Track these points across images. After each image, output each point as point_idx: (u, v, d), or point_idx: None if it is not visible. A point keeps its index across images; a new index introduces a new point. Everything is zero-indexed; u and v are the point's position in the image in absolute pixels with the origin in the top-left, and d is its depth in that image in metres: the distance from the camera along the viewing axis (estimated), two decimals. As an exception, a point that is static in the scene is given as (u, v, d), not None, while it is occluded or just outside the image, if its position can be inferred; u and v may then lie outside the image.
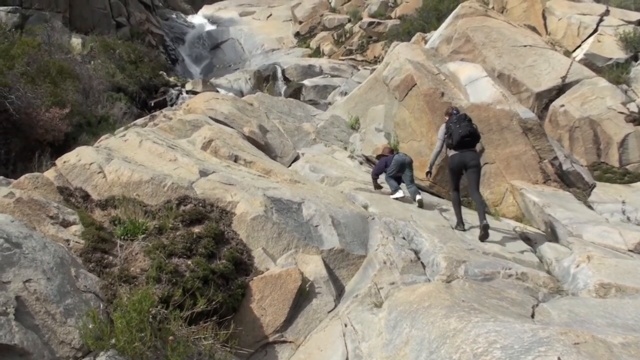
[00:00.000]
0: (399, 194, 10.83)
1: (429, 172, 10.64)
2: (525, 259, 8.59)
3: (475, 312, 5.52)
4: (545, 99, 16.67)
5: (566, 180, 12.48)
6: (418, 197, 10.63)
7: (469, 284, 6.98)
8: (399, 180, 11.17)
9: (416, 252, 8.27)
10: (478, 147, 10.07)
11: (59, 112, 16.73)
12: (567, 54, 18.65)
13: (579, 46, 18.99)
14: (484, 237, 9.09)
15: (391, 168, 11.10)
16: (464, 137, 9.34)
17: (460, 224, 9.66)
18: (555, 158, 12.44)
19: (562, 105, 16.07)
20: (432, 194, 12.45)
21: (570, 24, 19.44)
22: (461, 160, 9.48)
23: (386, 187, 11.44)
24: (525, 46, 18.10)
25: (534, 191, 11.35)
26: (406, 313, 5.95)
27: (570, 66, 17.20)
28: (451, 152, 9.68)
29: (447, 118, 10.06)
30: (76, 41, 29.28)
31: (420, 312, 5.76)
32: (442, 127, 10.01)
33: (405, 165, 11.03)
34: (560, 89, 16.70)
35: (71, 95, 19.23)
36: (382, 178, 11.55)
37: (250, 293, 7.06)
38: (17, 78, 16.70)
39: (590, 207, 11.56)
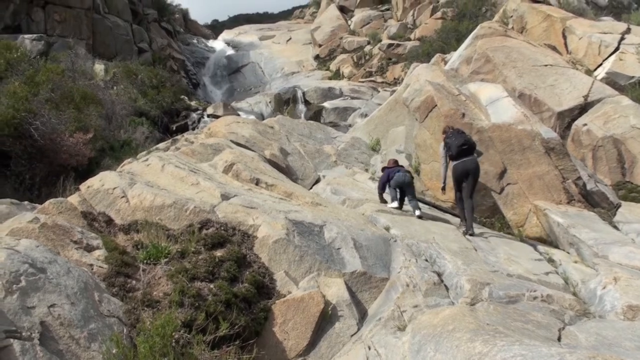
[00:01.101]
0: (395, 204, 11.37)
1: (443, 187, 11.23)
2: (550, 280, 8.48)
3: (501, 335, 5.43)
4: (568, 118, 16.56)
5: (590, 200, 12.32)
6: (418, 212, 11.08)
7: (493, 307, 6.89)
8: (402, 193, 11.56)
9: (439, 275, 8.18)
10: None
11: (82, 137, 16.96)
12: (589, 72, 18.53)
13: (601, 65, 18.87)
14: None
15: (392, 191, 11.57)
16: (461, 146, 10.50)
17: (470, 229, 10.40)
18: (579, 178, 12.30)
19: (585, 125, 15.94)
20: (454, 215, 12.36)
21: (591, 43, 19.34)
22: (464, 167, 10.56)
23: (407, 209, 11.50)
24: (545, 65, 18.03)
25: (558, 212, 11.22)
26: (430, 337, 5.88)
27: (592, 85, 17.07)
28: (453, 163, 10.72)
29: (444, 136, 11.10)
30: (99, 67, 29.74)
31: (445, 335, 5.69)
32: (441, 144, 11.07)
33: (405, 185, 11.41)
34: (583, 108, 16.58)
35: (94, 121, 19.50)
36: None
37: (272, 317, 7.03)
38: (42, 104, 17.00)
39: (615, 227, 11.38)
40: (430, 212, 12.16)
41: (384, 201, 11.70)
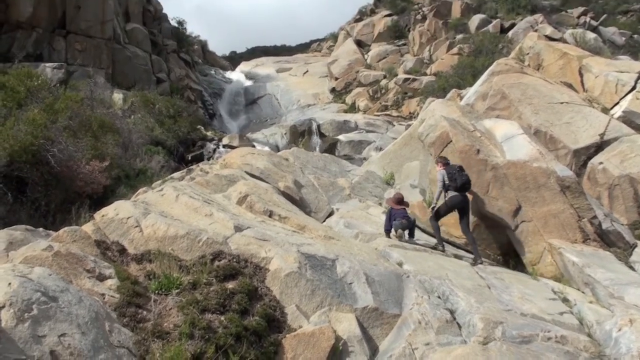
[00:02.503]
0: (393, 233, 11.81)
1: (434, 207, 12.13)
2: (564, 321, 8.36)
3: (514, 377, 5.36)
4: (583, 156, 16.47)
5: (606, 239, 12.19)
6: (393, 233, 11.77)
7: (506, 347, 6.80)
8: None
9: (452, 312, 8.10)
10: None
11: (98, 165, 17.08)
12: (605, 111, 18.48)
13: (617, 103, 18.81)
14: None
15: (393, 229, 11.90)
16: (464, 183, 11.61)
17: (441, 245, 11.78)
18: (595, 217, 12.18)
19: (601, 163, 15.85)
20: (467, 251, 12.28)
21: (608, 82, 19.31)
22: (462, 201, 11.75)
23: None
24: (562, 103, 18.00)
25: (573, 251, 11.10)
26: (442, 376, 5.81)
27: (609, 123, 17.01)
28: (453, 194, 11.76)
29: (440, 165, 12.07)
30: (117, 96, 30.14)
31: (457, 375, 5.62)
32: (442, 173, 11.89)
33: (407, 228, 11.93)
34: (599, 146, 16.49)
35: (111, 149, 19.67)
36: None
37: (282, 351, 6.96)
38: (60, 132, 17.15)
39: (632, 267, 11.22)
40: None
41: (389, 237, 11.88)
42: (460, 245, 12.56)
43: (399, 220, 11.77)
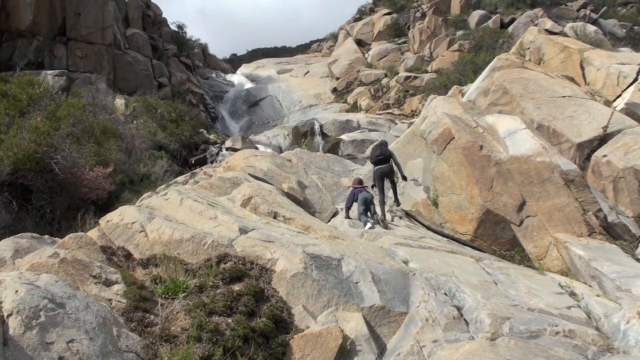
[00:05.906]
0: (369, 225, 12.52)
1: (373, 185, 14.37)
2: (572, 314, 8.33)
3: (522, 372, 5.35)
4: (587, 150, 16.40)
5: (612, 232, 12.16)
6: (368, 225, 12.53)
7: (514, 342, 6.79)
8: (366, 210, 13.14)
9: (459, 309, 8.09)
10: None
11: (102, 171, 17.13)
12: (608, 103, 18.40)
13: (620, 95, 18.71)
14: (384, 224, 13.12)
15: (360, 207, 13.06)
16: (378, 156, 14.11)
17: (384, 221, 13.24)
18: (600, 210, 12.15)
19: (605, 156, 15.77)
20: (472, 247, 12.27)
21: (610, 74, 19.24)
22: (382, 171, 13.99)
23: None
24: (564, 97, 17.94)
25: (579, 244, 11.07)
26: (450, 373, 5.79)
27: (611, 116, 16.93)
28: (376, 167, 14.08)
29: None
30: (119, 102, 30.17)
31: (465, 372, 5.61)
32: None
33: (369, 202, 13.10)
34: (602, 139, 16.41)
35: (114, 154, 19.71)
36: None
37: (290, 352, 6.96)
38: (63, 139, 17.21)
39: (638, 260, 11.19)
40: (449, 245, 12.09)
41: (348, 217, 13.28)
42: (466, 242, 12.54)
43: (365, 192, 13.25)
